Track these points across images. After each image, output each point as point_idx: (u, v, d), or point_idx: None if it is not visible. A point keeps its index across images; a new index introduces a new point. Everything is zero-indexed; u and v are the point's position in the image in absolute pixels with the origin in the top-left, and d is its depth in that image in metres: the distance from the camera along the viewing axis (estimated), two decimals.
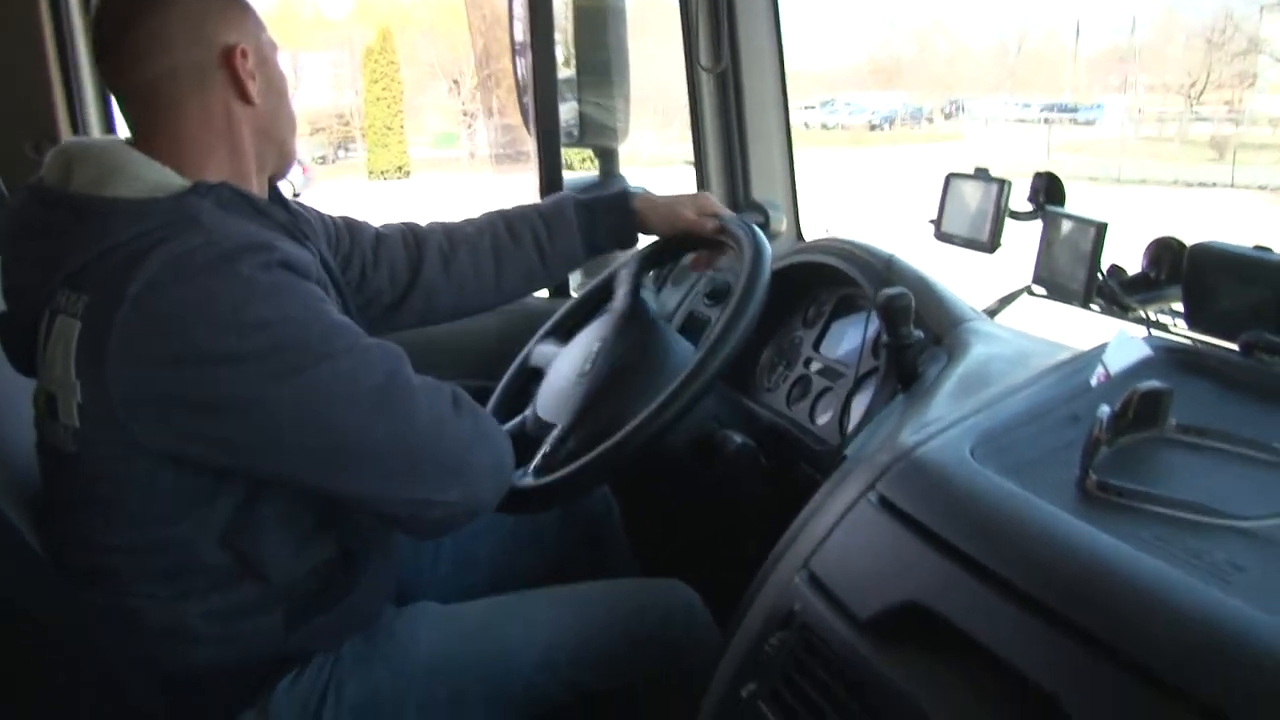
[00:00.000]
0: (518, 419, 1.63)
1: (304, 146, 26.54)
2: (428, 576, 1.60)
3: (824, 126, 27.86)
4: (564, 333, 1.70)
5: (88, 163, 1.17)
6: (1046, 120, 24.75)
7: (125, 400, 1.07)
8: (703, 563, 1.68)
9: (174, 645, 1.19)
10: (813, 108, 27.77)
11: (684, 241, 1.64)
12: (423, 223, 1.64)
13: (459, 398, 1.22)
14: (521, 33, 2.03)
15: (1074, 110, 26.23)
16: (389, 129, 25.16)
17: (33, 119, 1.82)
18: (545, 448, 1.48)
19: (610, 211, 1.62)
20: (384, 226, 1.62)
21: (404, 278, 1.59)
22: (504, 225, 1.63)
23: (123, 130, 1.26)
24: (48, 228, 1.15)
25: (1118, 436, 0.99)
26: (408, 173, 25.21)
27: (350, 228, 1.57)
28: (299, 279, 1.13)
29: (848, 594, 0.93)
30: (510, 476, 1.30)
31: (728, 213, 1.60)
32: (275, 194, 1.35)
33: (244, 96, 1.22)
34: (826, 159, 20.67)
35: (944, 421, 1.05)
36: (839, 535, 0.99)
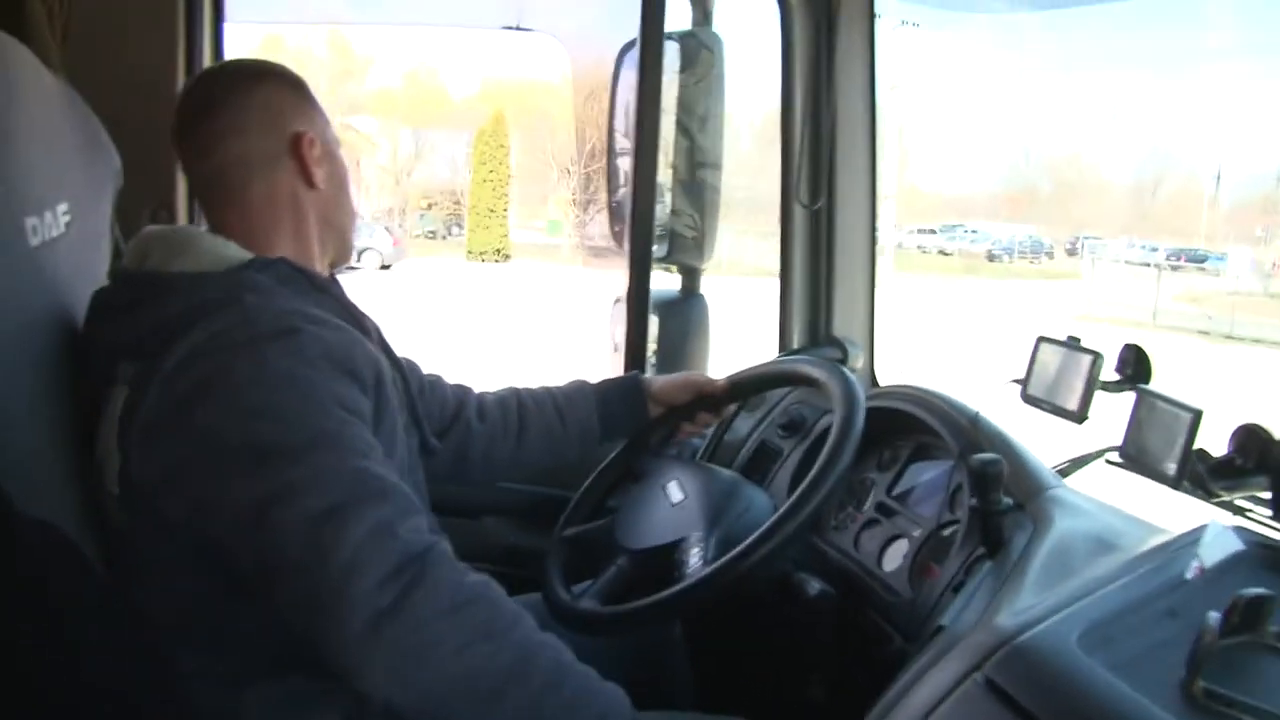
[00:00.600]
0: (595, 524, 1.65)
1: (415, 221, 27.61)
2: None
3: (941, 252, 27.41)
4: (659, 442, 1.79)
5: (161, 243, 1.25)
6: (1173, 266, 23.64)
7: (145, 468, 1.11)
8: (764, 700, 1.68)
9: None
10: (933, 231, 27.42)
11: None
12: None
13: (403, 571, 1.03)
14: (620, 138, 2.09)
15: (1202, 259, 25.22)
16: (492, 211, 25.63)
17: (154, 189, 1.88)
18: (614, 570, 1.50)
19: (622, 388, 1.74)
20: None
21: (449, 413, 1.63)
22: (526, 394, 1.71)
23: None
24: (118, 307, 1.22)
25: (1222, 639, 1.00)
26: (506, 256, 25.60)
27: (411, 365, 1.60)
28: (319, 375, 1.12)
29: None
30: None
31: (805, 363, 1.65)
32: (335, 284, 1.39)
33: (309, 182, 1.32)
34: (930, 287, 20.39)
35: (1044, 607, 1.06)
36: (943, 714, 0.99)
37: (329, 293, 1.28)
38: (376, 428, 1.19)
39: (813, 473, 1.41)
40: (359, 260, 21.92)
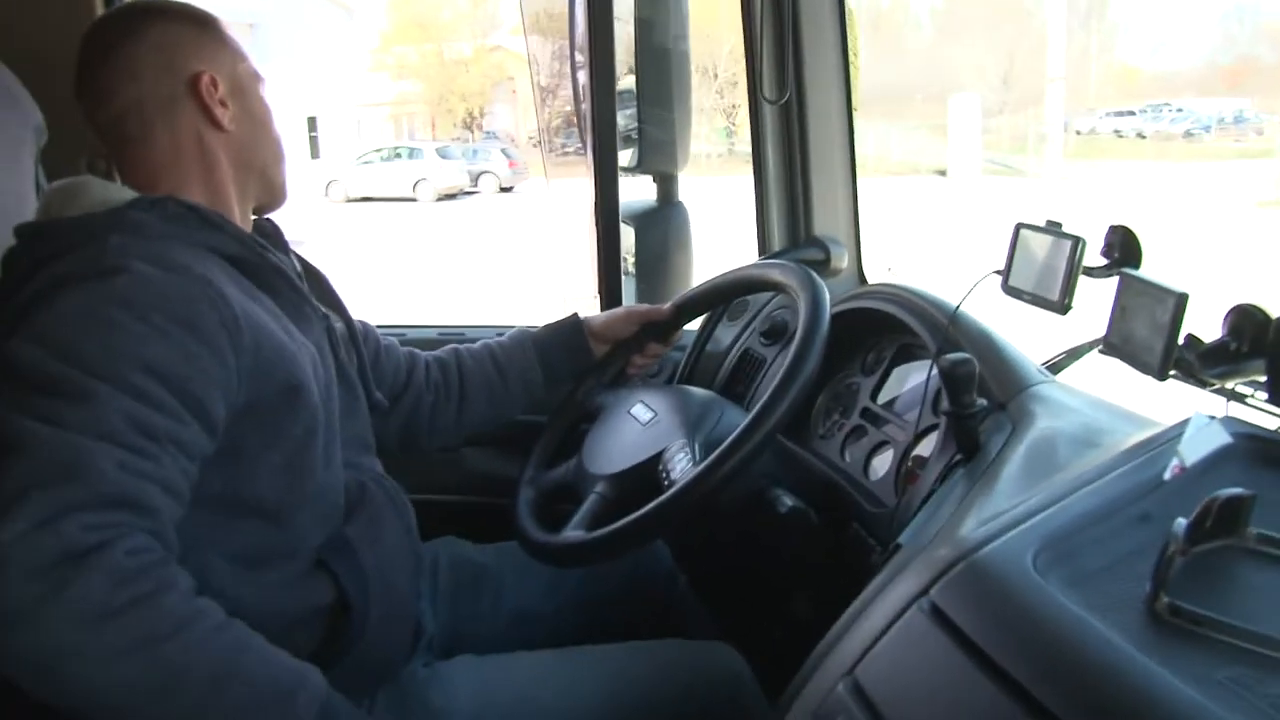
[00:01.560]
0: (562, 466, 1.60)
1: (561, 140, 28.11)
2: (481, 627, 1.56)
3: (1139, 135, 24.44)
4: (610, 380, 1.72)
5: (59, 194, 1.20)
6: None
7: None
8: (751, 621, 1.63)
9: None
10: (1133, 113, 24.74)
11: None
12: None
13: (112, 573, 0.95)
14: (581, 51, 1.99)
15: None
16: None
17: (87, 141, 1.82)
18: (589, 500, 1.45)
19: (561, 332, 1.71)
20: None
21: (402, 380, 1.62)
22: (465, 352, 1.68)
23: None
24: (15, 258, 1.17)
25: (1192, 546, 0.92)
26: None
27: (366, 327, 1.58)
28: (139, 324, 1.05)
29: (895, 710, 0.87)
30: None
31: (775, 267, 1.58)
32: (269, 228, 1.37)
33: (215, 123, 1.26)
34: (1094, 174, 19.07)
35: (1007, 518, 0.98)
36: (887, 644, 0.93)
37: (224, 230, 1.21)
38: (252, 373, 1.13)
39: (781, 371, 1.34)
40: (476, 184, 22.59)
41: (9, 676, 0.93)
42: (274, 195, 1.37)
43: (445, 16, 33.18)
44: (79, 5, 1.83)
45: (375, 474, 1.38)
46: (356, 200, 22.20)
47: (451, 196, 22.12)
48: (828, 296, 1.44)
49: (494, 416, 1.68)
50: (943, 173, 20.70)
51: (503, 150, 24.66)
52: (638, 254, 2.13)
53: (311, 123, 27.27)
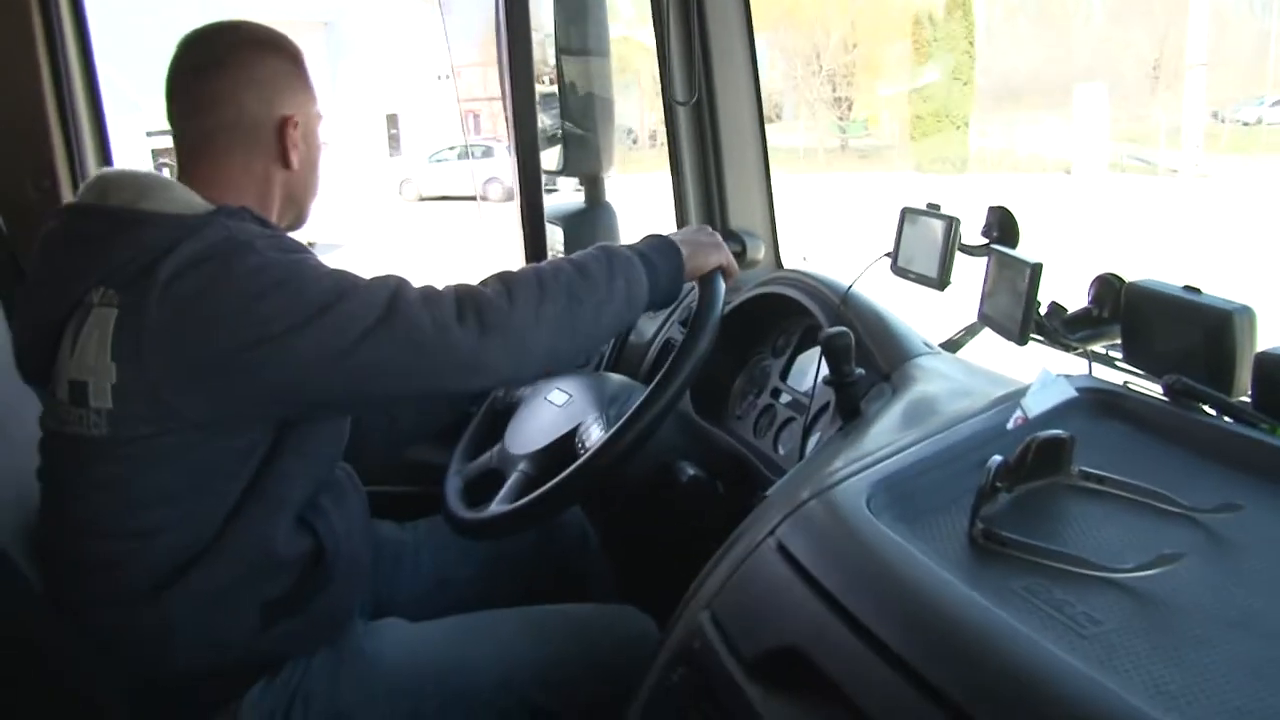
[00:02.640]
0: (485, 454, 1.69)
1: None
2: (404, 595, 1.66)
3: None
4: None
5: (125, 185, 1.28)
6: None
7: (163, 371, 1.18)
8: (663, 587, 1.72)
9: (158, 644, 1.26)
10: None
11: None
12: None
13: (461, 303, 1.27)
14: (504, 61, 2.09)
15: None
16: None
17: (32, 158, 1.90)
18: (512, 477, 1.54)
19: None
20: None
21: None
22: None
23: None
24: (84, 236, 1.26)
25: (1017, 483, 1.02)
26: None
27: None
28: (303, 254, 1.25)
29: (739, 634, 0.97)
30: (539, 356, 1.32)
31: None
32: None
33: (285, 162, 1.37)
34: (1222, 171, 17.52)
35: (855, 465, 1.09)
36: (740, 576, 1.03)
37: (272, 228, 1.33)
38: None
39: (673, 354, 1.43)
40: (554, 183, 21.43)
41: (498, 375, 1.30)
42: (299, 223, 1.48)
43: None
44: (17, 30, 1.89)
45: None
46: (429, 199, 21.79)
47: (445, 199, 21.52)
48: (721, 283, 1.52)
49: (421, 427, 1.81)
50: (1068, 170, 19.77)
51: None
52: (568, 252, 2.22)
53: (392, 120, 27.11)
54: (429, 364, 1.24)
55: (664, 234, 1.48)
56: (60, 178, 1.95)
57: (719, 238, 1.52)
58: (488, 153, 21.73)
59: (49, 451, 1.31)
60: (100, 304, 1.20)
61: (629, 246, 1.43)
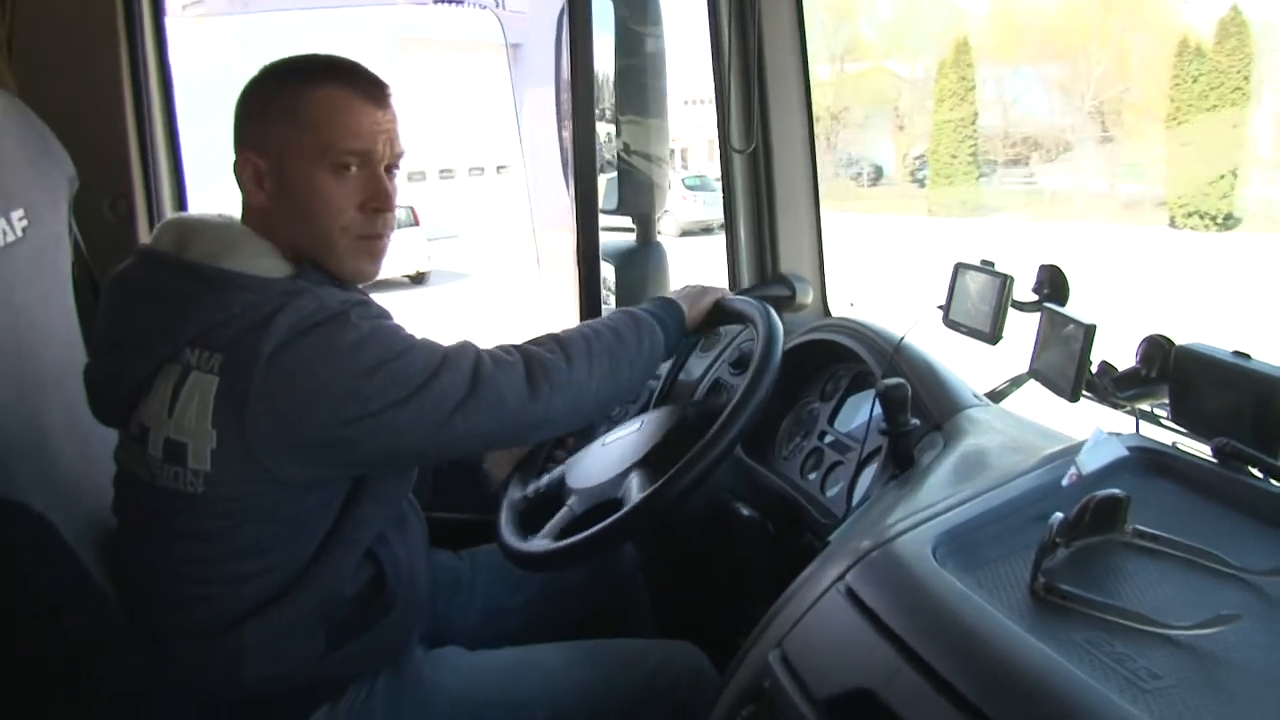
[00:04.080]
0: (544, 478, 1.74)
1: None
2: (459, 623, 1.72)
3: None
4: None
5: (204, 237, 1.34)
6: None
7: (266, 443, 1.24)
8: (715, 624, 1.77)
9: (228, 671, 1.32)
10: None
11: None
12: None
13: (532, 365, 1.39)
14: (565, 104, 2.16)
15: None
16: (954, 158, 21.23)
17: (111, 183, 1.98)
18: (564, 510, 1.59)
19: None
20: None
21: None
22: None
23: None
24: (169, 291, 1.31)
25: (1075, 539, 1.07)
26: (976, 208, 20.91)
27: None
28: (393, 322, 1.33)
29: (810, 675, 1.02)
30: (607, 402, 1.50)
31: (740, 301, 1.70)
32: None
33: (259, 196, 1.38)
34: None
35: (919, 515, 1.14)
36: (810, 619, 1.09)
37: (350, 289, 1.39)
38: None
39: (732, 403, 1.48)
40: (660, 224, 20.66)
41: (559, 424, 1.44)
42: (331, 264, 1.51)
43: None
44: (106, 61, 1.99)
45: None
46: (604, 230, 20.99)
47: (707, 231, 19.39)
48: (781, 330, 1.57)
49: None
50: None
51: (684, 182, 21.50)
52: (618, 291, 2.28)
53: None
54: (508, 426, 1.37)
55: (665, 295, 1.64)
56: (136, 203, 2.03)
57: (704, 285, 1.68)
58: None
59: (134, 495, 1.37)
60: (200, 368, 1.26)
61: (643, 308, 1.58)
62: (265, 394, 1.22)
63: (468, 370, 1.32)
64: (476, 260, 15.52)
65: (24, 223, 1.47)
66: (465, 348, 1.35)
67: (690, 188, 20.41)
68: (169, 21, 2.06)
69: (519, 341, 1.45)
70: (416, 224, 15.62)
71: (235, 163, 1.36)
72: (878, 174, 24.60)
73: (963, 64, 21.31)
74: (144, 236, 1.90)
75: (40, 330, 1.47)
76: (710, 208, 19.29)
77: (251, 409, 1.22)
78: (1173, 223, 18.08)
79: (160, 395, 1.29)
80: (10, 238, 1.44)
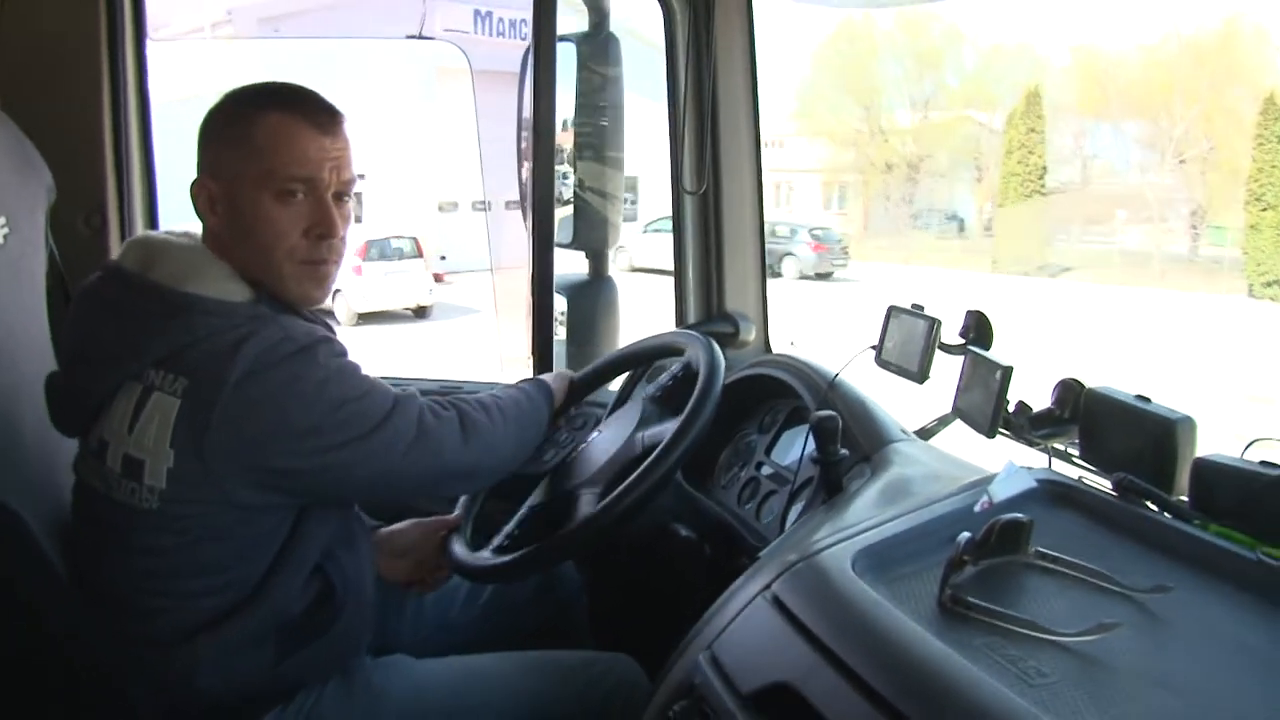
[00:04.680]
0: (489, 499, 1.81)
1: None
2: (407, 635, 1.78)
3: None
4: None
5: (169, 258, 1.40)
6: None
7: (223, 467, 1.31)
8: (652, 638, 1.85)
9: (184, 680, 1.37)
10: None
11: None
12: None
13: (465, 421, 1.50)
14: (525, 142, 2.25)
15: None
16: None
17: (86, 198, 2.05)
18: (508, 527, 1.67)
19: None
20: None
21: None
22: None
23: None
24: (135, 310, 1.37)
25: (982, 558, 1.17)
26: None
27: None
28: (354, 362, 1.41)
29: (736, 672, 1.12)
30: (518, 458, 1.63)
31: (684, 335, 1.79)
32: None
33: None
34: None
35: (841, 534, 1.24)
36: (739, 623, 1.18)
37: (315, 320, 1.46)
38: None
39: (672, 430, 1.56)
40: (778, 266, 19.54)
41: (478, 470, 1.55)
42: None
43: (875, 81, 27.80)
44: (87, 79, 2.05)
45: None
46: (640, 270, 18.87)
47: None
48: (722, 362, 1.66)
49: None
50: None
51: (812, 232, 21.11)
52: (569, 321, 2.37)
53: (627, 183, 25.07)
54: (443, 473, 1.49)
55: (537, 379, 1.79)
56: (110, 219, 2.09)
57: (560, 371, 1.88)
58: None
59: (91, 506, 1.41)
60: (162, 389, 1.31)
61: (528, 383, 1.73)
62: (228, 420, 1.29)
63: (414, 418, 1.42)
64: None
65: (4, 230, 1.52)
66: (412, 396, 1.45)
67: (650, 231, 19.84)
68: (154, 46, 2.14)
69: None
70: (420, 256, 15.22)
71: (192, 186, 1.43)
72: (960, 226, 23.93)
73: (1033, 115, 20.80)
74: (116, 250, 1.95)
75: (15, 336, 1.53)
76: (664, 252, 19.38)
77: (213, 433, 1.29)
78: (1251, 291, 17.47)
79: (121, 412, 1.34)
80: None
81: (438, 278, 15.48)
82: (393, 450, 1.39)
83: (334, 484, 1.39)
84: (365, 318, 14.71)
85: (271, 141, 1.38)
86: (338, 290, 14.94)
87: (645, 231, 20.90)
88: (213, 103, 1.45)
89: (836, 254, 20.69)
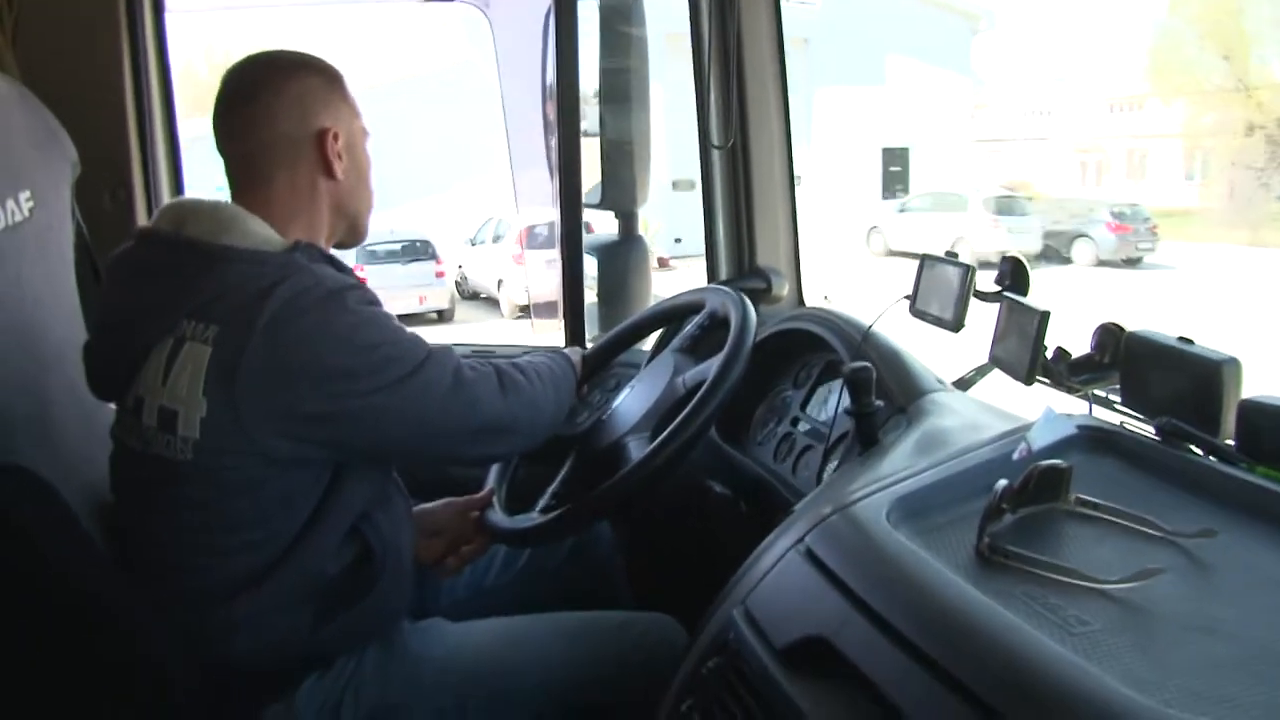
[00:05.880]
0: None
1: None
2: (444, 599, 1.79)
3: None
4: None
5: (201, 216, 1.40)
6: None
7: (253, 414, 1.30)
8: (690, 596, 1.84)
9: (223, 641, 1.38)
10: None
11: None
12: None
13: (503, 377, 1.49)
14: (551, 110, 2.23)
15: None
16: None
17: (111, 172, 2.05)
18: (553, 486, 1.66)
19: None
20: None
21: None
22: None
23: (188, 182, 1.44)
24: (172, 266, 1.38)
25: (1020, 506, 1.15)
26: None
27: None
28: (386, 312, 1.39)
29: (770, 627, 1.10)
30: (555, 421, 1.61)
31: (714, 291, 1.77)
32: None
33: (329, 173, 1.47)
34: None
35: (876, 485, 1.22)
36: (772, 577, 1.17)
37: (346, 270, 1.45)
38: None
39: (705, 385, 1.55)
40: (1068, 251, 17.29)
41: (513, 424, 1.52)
42: (356, 237, 1.60)
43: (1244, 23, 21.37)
44: (108, 52, 2.06)
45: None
46: (897, 254, 17.63)
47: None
48: (754, 316, 1.65)
49: None
50: None
51: (1113, 210, 17.85)
52: (600, 282, 2.36)
53: (892, 156, 23.40)
54: (480, 429, 1.47)
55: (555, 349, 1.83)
56: (135, 192, 2.10)
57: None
58: (956, 204, 17.71)
59: (130, 466, 1.42)
60: (193, 338, 1.32)
61: (550, 352, 1.72)
62: (259, 363, 1.28)
63: (450, 368, 1.41)
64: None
65: (30, 204, 1.53)
66: (447, 349, 1.44)
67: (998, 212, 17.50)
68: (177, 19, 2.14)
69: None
70: (437, 261, 14.75)
71: (313, 136, 1.45)
72: None
73: None
74: (141, 223, 1.96)
75: (45, 309, 1.54)
76: (1017, 236, 16.39)
77: (243, 378, 1.28)
78: None
79: (155, 366, 1.34)
80: (18, 217, 1.50)
81: (662, 262, 14.01)
82: (428, 398, 1.38)
83: (367, 433, 1.36)
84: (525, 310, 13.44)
85: (354, 101, 1.53)
86: (500, 280, 14.65)
87: (902, 211, 19.12)
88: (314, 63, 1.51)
89: (1143, 235, 17.59)
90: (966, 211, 17.44)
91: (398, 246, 14.70)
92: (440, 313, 14.72)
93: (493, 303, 15.10)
